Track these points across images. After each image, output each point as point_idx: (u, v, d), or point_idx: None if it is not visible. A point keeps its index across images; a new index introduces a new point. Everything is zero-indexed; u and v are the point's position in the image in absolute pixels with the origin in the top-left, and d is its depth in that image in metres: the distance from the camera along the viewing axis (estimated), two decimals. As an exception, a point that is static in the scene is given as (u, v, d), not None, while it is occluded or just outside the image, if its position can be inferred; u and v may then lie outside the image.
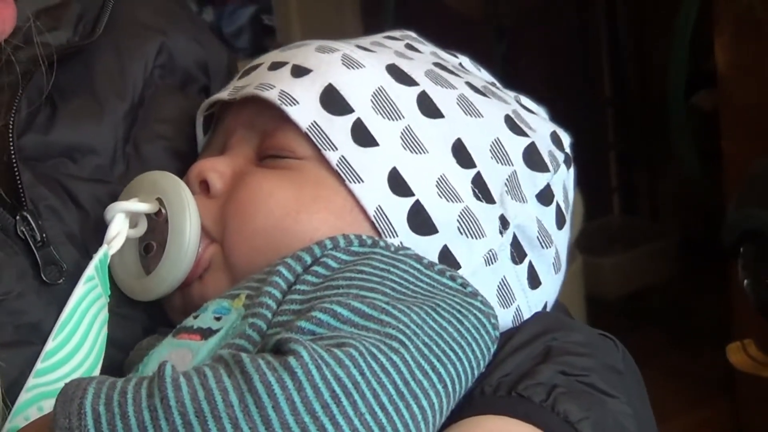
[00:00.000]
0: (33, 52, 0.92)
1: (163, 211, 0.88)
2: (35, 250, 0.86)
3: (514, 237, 0.89)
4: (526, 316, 0.90)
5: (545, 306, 0.93)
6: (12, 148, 0.87)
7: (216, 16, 3.51)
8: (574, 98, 3.27)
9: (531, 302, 0.91)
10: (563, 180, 0.94)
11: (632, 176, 3.50)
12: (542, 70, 3.20)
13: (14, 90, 0.89)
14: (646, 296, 3.22)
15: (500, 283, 0.89)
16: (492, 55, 3.11)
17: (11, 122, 0.87)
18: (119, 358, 0.86)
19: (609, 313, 2.97)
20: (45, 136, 0.91)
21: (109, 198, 0.91)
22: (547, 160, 0.92)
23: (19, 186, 0.86)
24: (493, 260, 0.88)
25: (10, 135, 0.87)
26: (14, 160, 0.86)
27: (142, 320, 0.90)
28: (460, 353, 0.75)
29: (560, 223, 0.93)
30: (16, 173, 0.86)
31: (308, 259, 0.80)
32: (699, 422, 2.65)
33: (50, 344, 0.82)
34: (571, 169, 0.95)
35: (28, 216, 0.86)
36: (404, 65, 0.91)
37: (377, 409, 0.67)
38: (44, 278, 0.85)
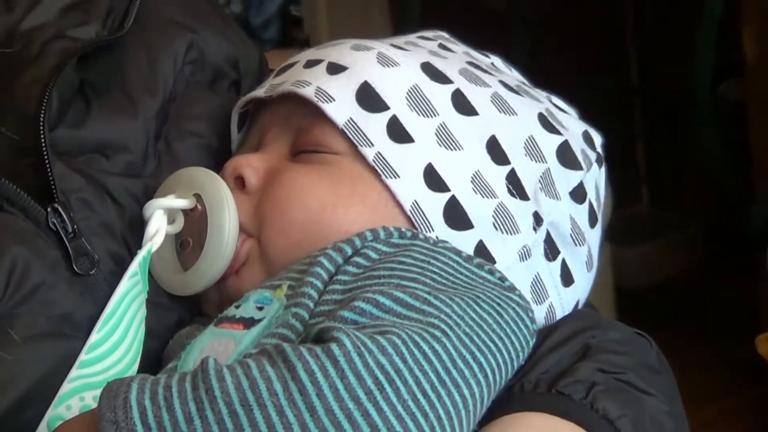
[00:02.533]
0: (63, 46, 0.93)
1: (200, 207, 0.89)
2: (67, 242, 0.86)
3: (548, 234, 0.90)
4: (559, 313, 0.91)
5: (577, 304, 0.94)
6: (43, 140, 0.87)
7: (244, 7, 3.51)
8: (601, 89, 3.26)
9: (563, 300, 0.92)
10: (595, 179, 0.95)
11: (659, 166, 3.49)
12: (568, 61, 3.19)
13: (44, 84, 0.90)
14: (673, 286, 3.21)
15: (534, 279, 0.90)
16: (518, 46, 3.10)
17: (42, 115, 0.88)
18: (153, 348, 0.88)
19: (636, 303, 2.96)
20: (78, 130, 0.92)
21: (143, 193, 0.92)
22: (580, 158, 0.92)
23: (50, 178, 0.87)
24: (527, 256, 0.89)
25: (41, 128, 0.88)
26: (45, 153, 0.87)
27: (176, 311, 0.91)
28: (500, 345, 0.76)
29: (593, 221, 0.94)
30: (47, 165, 0.87)
31: (349, 250, 0.81)
32: (726, 413, 2.65)
33: (94, 336, 0.83)
34: (603, 169, 0.96)
35: (59, 208, 0.87)
36: (438, 64, 0.92)
37: (420, 396, 0.68)
38: (76, 269, 0.86)
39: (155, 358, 0.88)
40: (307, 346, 0.68)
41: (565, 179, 0.91)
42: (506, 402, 0.78)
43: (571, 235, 0.92)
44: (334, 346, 0.68)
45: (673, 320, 2.94)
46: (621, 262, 2.95)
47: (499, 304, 0.78)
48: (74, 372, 0.82)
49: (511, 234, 0.88)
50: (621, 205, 3.03)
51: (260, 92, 0.94)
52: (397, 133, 0.88)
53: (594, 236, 0.95)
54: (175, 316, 0.91)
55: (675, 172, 3.46)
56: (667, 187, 3.51)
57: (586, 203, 0.93)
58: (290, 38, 3.40)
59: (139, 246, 0.89)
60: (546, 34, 3.22)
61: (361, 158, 0.88)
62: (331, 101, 0.89)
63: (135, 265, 0.86)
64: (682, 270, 3.22)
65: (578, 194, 0.92)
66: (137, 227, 0.90)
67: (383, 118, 0.89)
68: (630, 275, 3.07)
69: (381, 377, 0.67)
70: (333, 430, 0.65)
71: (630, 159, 3.44)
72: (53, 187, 0.87)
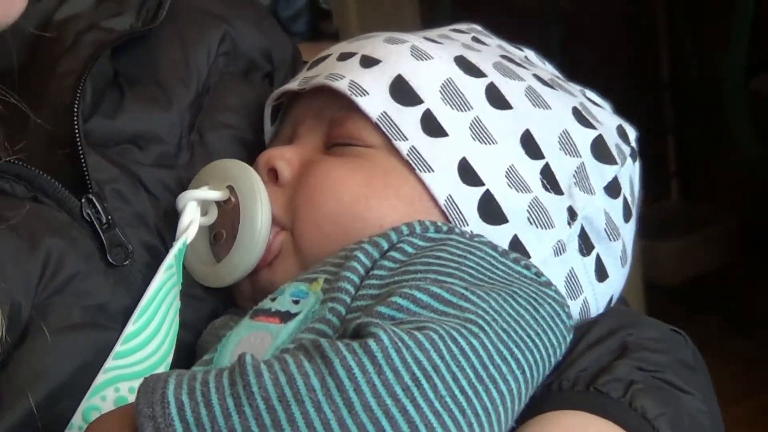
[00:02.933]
0: (97, 36, 0.93)
1: (233, 199, 0.89)
2: (101, 232, 0.87)
3: (582, 229, 0.90)
4: (593, 308, 0.91)
5: (611, 299, 0.93)
6: (77, 131, 0.88)
7: (273, 0, 3.52)
8: (632, 83, 3.25)
9: (598, 295, 0.91)
10: (629, 173, 0.94)
11: (690, 161, 3.48)
12: (600, 55, 3.19)
13: (79, 74, 0.90)
14: (705, 281, 3.20)
15: (568, 274, 0.89)
16: (549, 40, 3.10)
17: (76, 106, 0.88)
18: (187, 339, 0.88)
19: (667, 298, 2.96)
20: (112, 120, 0.92)
21: (176, 184, 0.92)
22: (614, 152, 0.92)
23: (84, 169, 0.87)
24: (562, 251, 0.89)
25: (75, 118, 0.88)
26: (79, 143, 0.88)
27: (210, 302, 0.92)
28: (537, 340, 0.76)
29: (627, 216, 0.94)
30: (81, 156, 0.87)
31: (385, 245, 0.81)
32: (758, 408, 2.64)
33: (130, 327, 0.84)
34: (637, 163, 0.96)
35: (93, 198, 0.87)
36: (472, 57, 0.92)
37: (457, 392, 0.68)
38: (110, 260, 0.86)
39: (189, 349, 0.88)
40: (344, 342, 0.68)
41: (600, 174, 0.91)
42: (544, 399, 0.78)
43: (605, 230, 0.91)
44: (371, 342, 0.67)
45: (704, 315, 2.93)
46: (652, 256, 2.94)
47: (536, 300, 0.78)
48: (110, 363, 0.82)
49: (545, 229, 0.88)
50: (651, 199, 3.02)
51: (293, 85, 0.94)
52: (431, 127, 0.88)
53: (628, 231, 0.94)
54: (209, 308, 0.91)
55: (707, 167, 3.44)
56: (699, 181, 3.50)
57: (621, 198, 0.93)
58: (319, 31, 3.41)
59: (173, 237, 0.89)
60: (576, 28, 3.21)
61: (395, 152, 0.88)
62: (364, 95, 0.89)
63: (170, 258, 0.86)
64: (714, 265, 3.21)
65: (613, 189, 0.92)
66: (171, 218, 0.90)
67: (417, 111, 0.88)
68: (661, 270, 3.06)
69: (418, 373, 0.67)
70: (371, 426, 0.65)
71: (661, 153, 3.42)
72: (87, 177, 0.87)
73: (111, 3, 0.97)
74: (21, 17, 0.91)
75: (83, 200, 0.87)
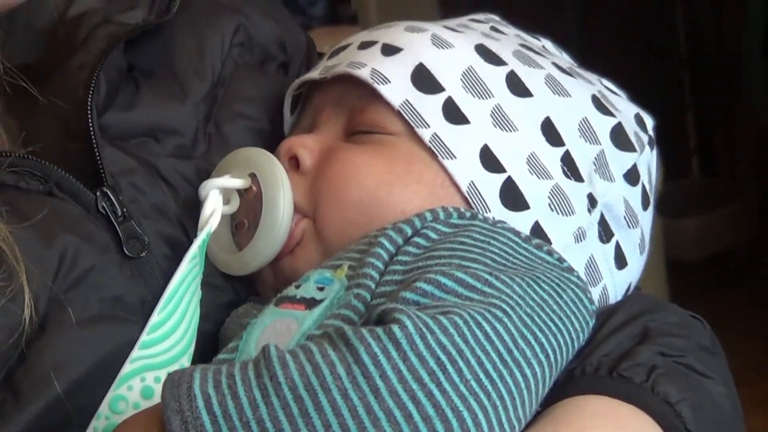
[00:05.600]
0: (110, 30, 0.93)
1: (254, 187, 0.90)
2: (116, 225, 0.87)
3: (602, 216, 0.90)
4: (612, 295, 0.91)
5: (629, 287, 0.94)
6: (91, 124, 0.88)
7: (290, -15, 3.51)
8: (651, 59, 3.24)
9: (617, 282, 0.92)
10: (648, 161, 0.95)
11: (711, 137, 3.47)
12: (618, 32, 3.18)
13: (92, 67, 0.90)
14: (726, 258, 3.20)
15: (588, 261, 0.90)
16: (567, 17, 3.09)
17: (89, 99, 0.89)
18: (205, 328, 0.88)
19: (689, 275, 2.96)
20: (128, 113, 0.93)
21: (195, 174, 0.92)
22: (633, 140, 0.93)
23: (99, 161, 0.88)
24: (582, 238, 0.89)
25: (89, 111, 0.88)
26: (93, 136, 0.88)
27: (229, 291, 0.92)
28: (560, 325, 0.76)
29: (645, 204, 0.94)
30: (95, 149, 0.88)
31: (409, 231, 0.81)
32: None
33: (155, 317, 0.84)
34: (655, 152, 0.96)
35: (108, 191, 0.87)
36: (492, 45, 0.92)
37: (482, 375, 0.68)
38: (126, 252, 0.87)
39: (207, 338, 0.88)
40: (368, 328, 0.69)
41: (620, 161, 0.92)
42: (568, 384, 0.79)
43: (624, 217, 0.92)
44: (395, 328, 0.68)
45: (725, 292, 2.93)
46: (673, 233, 2.93)
47: (558, 285, 0.79)
48: (135, 352, 0.83)
49: (566, 215, 0.88)
50: (673, 176, 3.01)
51: (314, 74, 0.95)
52: (453, 114, 0.89)
53: (646, 219, 0.95)
54: (228, 297, 0.92)
55: (727, 143, 3.43)
56: (720, 157, 3.49)
57: (639, 186, 0.93)
58: (337, 15, 3.40)
59: (195, 227, 0.90)
60: (594, 5, 3.20)
61: (417, 139, 0.88)
62: (386, 83, 0.89)
63: (195, 248, 0.87)
64: (735, 241, 3.21)
65: (632, 176, 0.93)
66: (191, 209, 0.91)
67: (439, 99, 0.89)
68: (683, 247, 3.06)
69: (443, 357, 0.68)
70: (397, 412, 0.65)
71: (681, 130, 3.41)
72: (102, 170, 0.88)
73: None
74: (33, 13, 0.92)
75: (98, 193, 0.87)
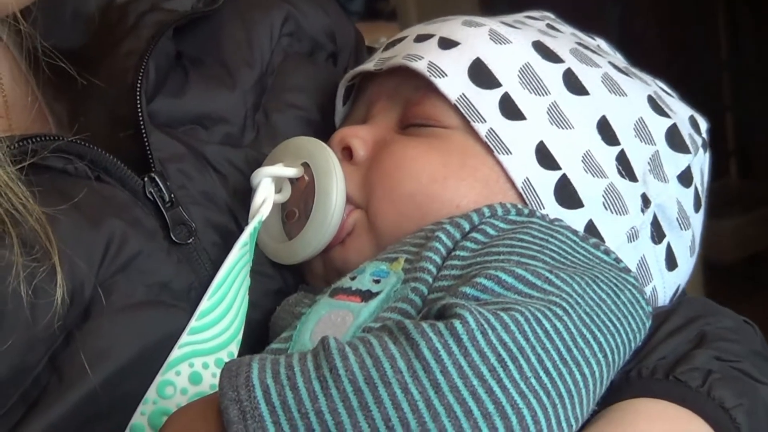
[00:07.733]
0: (159, 17, 0.93)
1: (306, 177, 0.90)
2: (164, 211, 0.87)
3: (654, 216, 0.90)
4: (661, 297, 0.91)
5: (678, 289, 0.94)
6: (140, 110, 0.88)
7: (329, -21, 3.51)
8: (690, 60, 3.23)
9: (666, 283, 0.92)
10: (701, 164, 0.95)
11: (749, 139, 3.45)
12: (658, 32, 3.16)
13: (141, 54, 0.90)
14: (764, 260, 3.18)
15: (640, 261, 0.90)
16: (608, 16, 3.08)
17: (138, 85, 0.89)
18: (252, 316, 0.88)
19: (726, 277, 2.93)
20: (177, 100, 0.93)
21: (244, 162, 0.92)
22: (687, 142, 0.93)
23: (147, 147, 0.88)
24: (635, 238, 0.89)
25: (138, 97, 0.88)
26: (142, 122, 0.88)
27: (277, 280, 0.92)
28: (618, 325, 0.76)
29: (697, 206, 0.94)
30: (144, 135, 0.88)
31: (467, 226, 0.81)
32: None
33: (205, 303, 0.84)
34: (707, 154, 0.96)
35: (156, 177, 0.87)
36: (549, 43, 0.92)
37: (542, 373, 0.68)
38: (173, 238, 0.86)
39: (254, 326, 0.88)
40: (429, 323, 0.68)
41: (674, 162, 0.91)
42: (624, 386, 0.79)
43: (677, 218, 0.92)
44: (457, 323, 0.67)
45: (763, 294, 2.90)
46: (711, 235, 2.91)
47: (616, 285, 0.78)
48: (184, 338, 0.83)
49: (620, 214, 0.88)
50: (710, 178, 2.99)
51: (369, 65, 0.94)
52: (510, 110, 0.88)
53: (698, 221, 0.95)
54: (276, 286, 0.92)
55: (765, 145, 3.41)
56: (758, 159, 3.47)
57: (692, 187, 0.94)
58: (376, 11, 3.40)
59: (244, 214, 0.90)
60: (634, 5, 3.18)
61: (472, 133, 0.88)
62: (443, 76, 0.89)
63: (246, 236, 0.87)
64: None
65: (685, 178, 0.93)
66: (241, 196, 0.91)
67: (495, 94, 0.89)
68: (720, 249, 3.04)
69: (504, 354, 0.67)
70: (458, 407, 0.65)
71: (719, 131, 3.39)
72: (150, 156, 0.88)
73: None
74: (81, 0, 0.92)
75: (146, 179, 0.87)
